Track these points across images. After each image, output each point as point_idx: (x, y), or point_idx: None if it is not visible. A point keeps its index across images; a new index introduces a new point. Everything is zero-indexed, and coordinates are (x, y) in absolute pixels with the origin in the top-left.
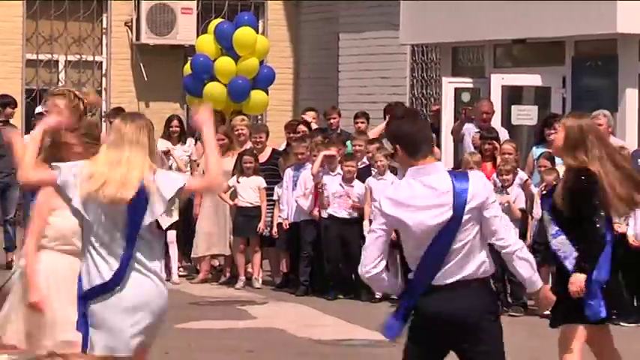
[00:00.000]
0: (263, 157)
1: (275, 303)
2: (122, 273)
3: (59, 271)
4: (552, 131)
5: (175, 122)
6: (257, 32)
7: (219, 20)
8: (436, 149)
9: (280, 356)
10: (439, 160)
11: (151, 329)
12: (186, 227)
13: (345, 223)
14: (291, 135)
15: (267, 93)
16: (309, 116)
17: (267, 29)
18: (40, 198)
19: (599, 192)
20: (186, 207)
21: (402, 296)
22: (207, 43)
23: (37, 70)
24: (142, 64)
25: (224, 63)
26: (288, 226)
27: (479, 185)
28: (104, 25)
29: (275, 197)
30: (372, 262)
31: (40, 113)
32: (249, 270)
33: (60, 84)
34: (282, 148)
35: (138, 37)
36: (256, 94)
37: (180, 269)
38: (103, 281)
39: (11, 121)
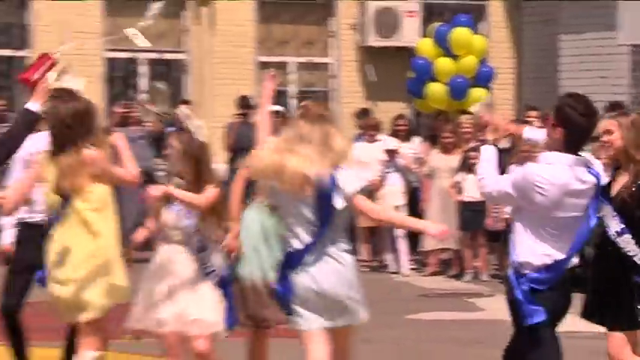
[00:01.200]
0: None
1: (502, 296)
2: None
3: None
4: None
5: (402, 121)
6: (475, 33)
7: (437, 23)
8: None
9: None
10: None
11: None
12: None
13: None
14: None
15: (488, 91)
16: (531, 116)
17: (490, 31)
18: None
19: None
20: (414, 202)
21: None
22: (426, 45)
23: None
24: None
25: (443, 63)
26: None
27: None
28: (332, 28)
29: None
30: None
31: (276, 112)
32: (477, 264)
33: (291, 86)
34: (505, 145)
35: (364, 40)
36: (476, 92)
37: (410, 262)
38: None
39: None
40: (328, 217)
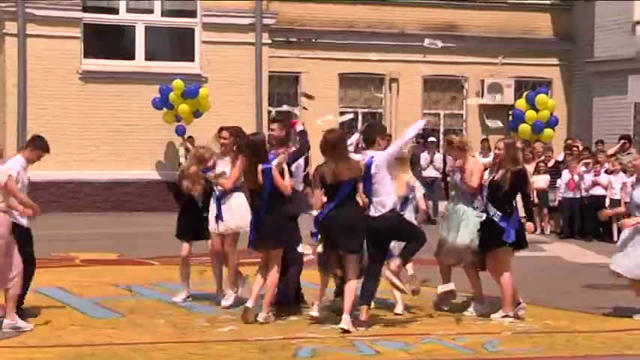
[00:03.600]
0: None
1: (557, 242)
2: None
3: None
4: None
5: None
6: (549, 97)
7: (527, 91)
8: None
9: None
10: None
11: None
12: None
13: None
14: None
15: (553, 130)
16: (574, 141)
17: (555, 95)
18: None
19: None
20: None
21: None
22: (522, 103)
23: (429, 118)
24: (484, 115)
25: (530, 113)
26: None
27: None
28: (464, 94)
29: None
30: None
31: (432, 142)
32: (543, 224)
33: (441, 126)
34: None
35: (483, 100)
36: (547, 131)
37: None
38: None
39: None
40: None
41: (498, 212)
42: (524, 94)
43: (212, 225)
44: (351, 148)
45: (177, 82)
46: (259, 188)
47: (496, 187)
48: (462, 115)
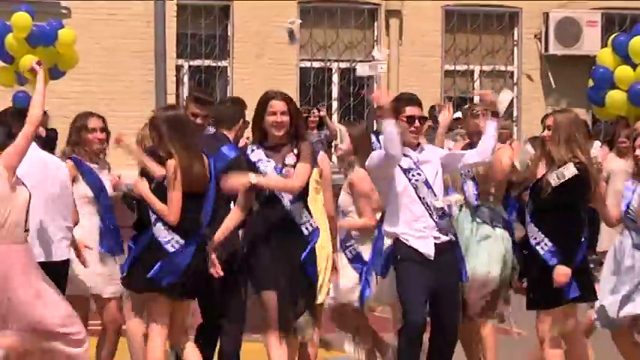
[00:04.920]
0: None
1: None
2: None
3: None
4: None
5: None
6: None
7: (616, 33)
8: None
9: None
10: None
11: None
12: None
13: None
14: None
15: None
16: None
17: None
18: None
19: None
20: None
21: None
22: (606, 55)
23: (455, 79)
24: (550, 74)
25: (623, 71)
26: None
27: None
28: (515, 38)
29: None
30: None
31: (456, 118)
32: None
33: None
34: None
35: (546, 49)
36: None
37: None
38: None
39: None
40: None
41: (547, 240)
42: (611, 38)
43: (98, 280)
44: None
45: (21, 17)
46: (203, 189)
47: (538, 195)
48: (513, 72)
